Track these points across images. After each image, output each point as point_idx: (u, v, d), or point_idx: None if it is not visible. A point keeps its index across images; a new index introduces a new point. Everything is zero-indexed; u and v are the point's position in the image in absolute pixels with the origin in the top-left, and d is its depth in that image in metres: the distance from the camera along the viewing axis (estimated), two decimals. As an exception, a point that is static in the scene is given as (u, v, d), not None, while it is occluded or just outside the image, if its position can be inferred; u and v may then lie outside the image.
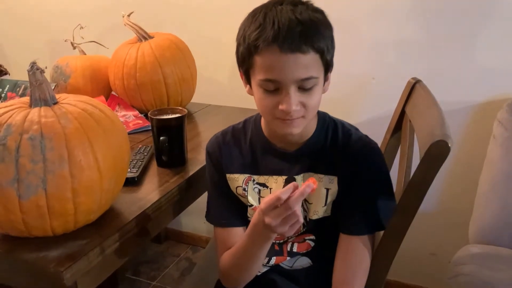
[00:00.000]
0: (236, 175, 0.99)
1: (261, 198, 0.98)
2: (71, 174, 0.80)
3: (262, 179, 0.98)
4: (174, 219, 1.14)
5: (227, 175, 0.99)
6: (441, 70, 1.45)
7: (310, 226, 0.98)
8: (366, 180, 0.92)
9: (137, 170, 1.06)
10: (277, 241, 1.01)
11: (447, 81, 1.45)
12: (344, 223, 0.94)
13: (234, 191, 1.00)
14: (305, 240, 1.00)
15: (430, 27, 1.44)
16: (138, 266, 1.98)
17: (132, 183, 1.03)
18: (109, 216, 0.91)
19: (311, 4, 0.87)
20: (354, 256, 0.93)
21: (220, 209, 1.01)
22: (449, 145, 0.76)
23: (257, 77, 0.85)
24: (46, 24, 2.03)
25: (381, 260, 0.93)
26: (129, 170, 1.03)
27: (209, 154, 1.01)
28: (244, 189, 0.98)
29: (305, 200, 0.96)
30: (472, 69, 1.42)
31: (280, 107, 0.84)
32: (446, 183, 1.53)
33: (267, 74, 0.83)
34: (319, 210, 0.96)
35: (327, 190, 0.94)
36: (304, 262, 1.01)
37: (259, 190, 0.98)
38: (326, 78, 0.89)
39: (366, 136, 0.97)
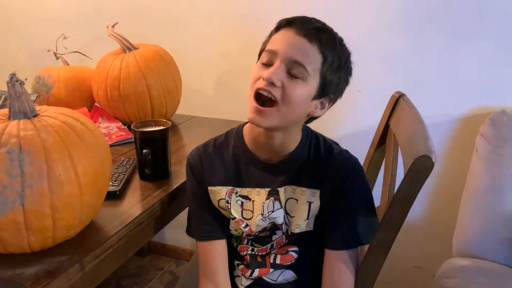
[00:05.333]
0: (218, 188, 0.98)
1: (244, 211, 0.98)
2: (50, 189, 0.77)
3: (245, 191, 0.97)
4: (157, 232, 1.13)
5: (209, 188, 0.99)
6: (424, 84, 1.47)
7: (293, 239, 0.98)
8: (347, 195, 0.93)
9: (119, 184, 1.04)
10: (259, 253, 1.00)
11: (430, 95, 1.46)
12: (326, 238, 0.95)
13: (216, 204, 0.99)
14: (288, 251, 0.99)
15: (415, 41, 1.45)
16: (120, 279, 1.94)
17: (113, 197, 1.01)
18: (89, 231, 0.89)
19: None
20: (338, 271, 0.93)
21: (201, 222, 1.00)
22: (433, 161, 0.77)
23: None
24: (29, 33, 2.00)
25: (366, 275, 0.93)
26: (110, 183, 1.01)
27: (190, 166, 1.00)
28: (227, 202, 0.98)
29: (287, 213, 0.96)
30: (455, 83, 1.44)
31: (262, 74, 0.85)
32: (430, 196, 1.54)
33: (270, 45, 0.88)
34: (301, 224, 0.95)
35: (310, 203, 0.94)
36: (288, 276, 1.00)
37: (242, 203, 0.98)
38: (321, 94, 0.88)
39: (347, 151, 0.97)
